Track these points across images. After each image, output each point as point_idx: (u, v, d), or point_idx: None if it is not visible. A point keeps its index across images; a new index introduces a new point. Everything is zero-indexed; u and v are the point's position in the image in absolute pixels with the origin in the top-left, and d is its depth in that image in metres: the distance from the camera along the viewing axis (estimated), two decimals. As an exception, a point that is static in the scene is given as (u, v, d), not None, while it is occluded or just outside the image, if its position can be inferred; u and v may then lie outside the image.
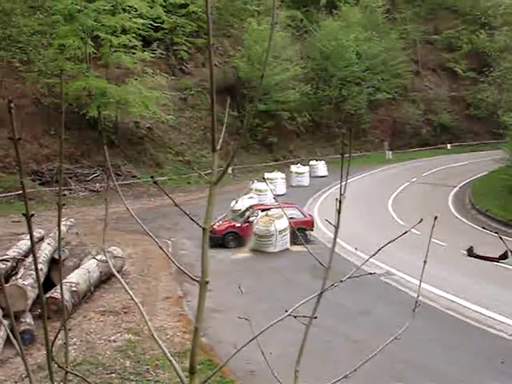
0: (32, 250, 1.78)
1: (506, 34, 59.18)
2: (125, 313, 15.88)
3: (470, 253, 22.15)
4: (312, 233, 25.71)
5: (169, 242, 25.36)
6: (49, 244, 18.32)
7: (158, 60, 46.42)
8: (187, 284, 18.05)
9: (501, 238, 1.88)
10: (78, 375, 2.36)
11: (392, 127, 63.85)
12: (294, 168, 44.06)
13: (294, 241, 23.94)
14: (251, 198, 29.67)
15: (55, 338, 1.88)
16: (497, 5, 63.62)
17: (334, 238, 2.15)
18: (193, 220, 2.12)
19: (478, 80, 62.58)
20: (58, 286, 15.76)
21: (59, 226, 1.89)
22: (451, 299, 17.53)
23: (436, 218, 2.42)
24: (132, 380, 12.08)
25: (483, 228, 25.22)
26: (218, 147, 2.03)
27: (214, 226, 24.92)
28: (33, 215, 1.63)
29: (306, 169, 44.31)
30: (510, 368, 12.58)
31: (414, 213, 28.04)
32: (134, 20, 40.08)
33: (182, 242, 24.46)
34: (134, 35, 40.52)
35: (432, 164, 52.56)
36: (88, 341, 14.13)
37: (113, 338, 14.38)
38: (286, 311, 2.16)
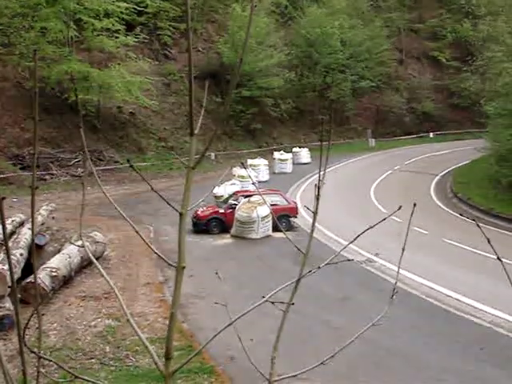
0: (3, 235, 1.75)
1: (489, 24, 59.47)
2: (105, 298, 15.84)
3: None
4: (295, 219, 25.74)
5: (150, 227, 25.28)
6: (29, 229, 18.20)
7: (141, 45, 46.04)
8: (168, 270, 18.01)
9: (478, 225, 1.87)
10: (51, 360, 2.33)
11: (375, 115, 63.98)
12: (277, 155, 44.03)
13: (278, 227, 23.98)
14: (234, 184, 29.64)
15: (27, 322, 1.85)
16: (481, -6, 63.92)
17: (313, 224, 2.13)
18: (170, 205, 2.09)
19: (462, 69, 62.87)
20: (38, 271, 15.67)
21: (32, 209, 1.85)
22: (432, 287, 17.64)
23: (415, 205, 2.41)
24: (112, 365, 12.07)
25: (460, 215, 25.37)
26: (196, 131, 2.00)
27: (198, 212, 24.94)
28: (4, 198, 1.59)
29: (289, 156, 44.30)
30: (488, 355, 12.70)
31: (396, 201, 28.12)
32: (118, 4, 39.69)
33: (164, 228, 24.39)
34: (117, 19, 40.14)
35: (415, 152, 52.73)
36: (68, 326, 14.09)
37: (93, 323, 14.34)
38: (264, 297, 2.15)
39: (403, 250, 2.34)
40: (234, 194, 26.92)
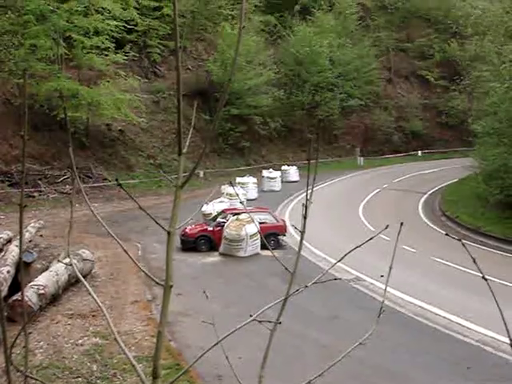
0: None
1: (476, 44, 59.93)
2: (93, 316, 15.73)
3: None
4: (284, 238, 25.73)
5: (139, 245, 25.21)
6: (17, 246, 18.11)
7: (130, 62, 46.14)
8: (156, 288, 17.94)
9: (463, 244, 1.88)
10: (37, 379, 2.32)
11: (364, 133, 64.21)
12: (265, 173, 44.05)
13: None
14: (222, 202, 29.63)
15: (14, 341, 1.84)
16: (467, 15, 64.35)
17: (300, 243, 2.14)
18: (158, 224, 2.10)
19: (450, 88, 63.29)
20: (25, 289, 15.56)
21: (21, 227, 1.85)
22: (420, 305, 17.66)
23: (402, 224, 2.43)
24: (99, 384, 11.98)
25: (446, 234, 25.31)
26: (185, 150, 2.01)
27: (186, 230, 24.90)
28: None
29: (277, 174, 44.32)
30: (475, 374, 12.70)
31: (384, 219, 28.19)
32: (107, 22, 39.76)
33: (153, 245, 24.31)
34: (107, 37, 40.20)
35: (403, 170, 52.93)
36: (55, 344, 13.97)
37: (80, 341, 14.23)
38: (251, 315, 2.15)
39: (390, 268, 2.36)
40: (222, 211, 26.89)
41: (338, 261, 2.40)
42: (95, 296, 2.25)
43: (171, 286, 1.96)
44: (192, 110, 47.36)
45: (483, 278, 1.85)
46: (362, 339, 2.29)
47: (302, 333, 14.99)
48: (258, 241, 23.76)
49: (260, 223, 24.30)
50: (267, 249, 23.43)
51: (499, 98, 32.70)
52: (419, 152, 64.78)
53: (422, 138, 66.20)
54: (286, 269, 2.19)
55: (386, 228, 2.51)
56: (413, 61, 70.41)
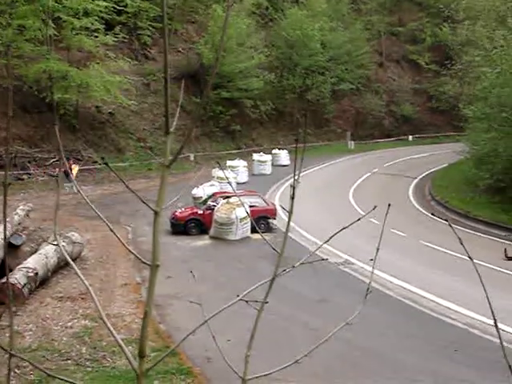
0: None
1: (468, 29, 59.89)
2: (82, 299, 15.74)
3: (508, 255, 21.37)
4: (274, 221, 25.76)
5: (129, 228, 25.20)
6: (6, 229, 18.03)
7: (120, 44, 45.79)
8: (146, 270, 17.91)
9: (450, 225, 1.88)
10: (24, 359, 2.31)
11: (355, 117, 64.21)
12: (256, 156, 44.04)
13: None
14: (212, 185, 29.61)
15: (-2, 320, 1.83)
16: (459, -1, 64.36)
17: (288, 224, 2.14)
18: (144, 203, 2.09)
19: (441, 73, 63.25)
20: (15, 271, 15.54)
21: (5, 207, 1.84)
22: (408, 288, 17.78)
23: (389, 205, 2.43)
24: (88, 366, 12.00)
25: (432, 214, 25.66)
26: (172, 129, 2.00)
27: (177, 213, 24.90)
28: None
29: (268, 157, 44.31)
30: (463, 356, 12.81)
31: (374, 203, 28.07)
32: (97, 3, 39.39)
33: (143, 228, 24.29)
34: (97, 18, 39.88)
35: (393, 155, 53.03)
36: (44, 327, 13.98)
37: (69, 324, 14.25)
38: (238, 296, 2.15)
39: (377, 249, 2.36)
40: (212, 195, 26.89)
41: (325, 242, 2.40)
42: (83, 278, 2.24)
43: (158, 266, 1.96)
44: (184, 93, 47.31)
45: (469, 258, 1.86)
46: (348, 320, 2.30)
47: (291, 315, 15.06)
48: (249, 224, 23.78)
49: (250, 207, 24.30)
50: (258, 232, 23.49)
51: (490, 83, 32.74)
52: (410, 136, 64.88)
53: (413, 123, 66.25)
54: (275, 249, 2.19)
55: (374, 209, 2.51)
56: (404, 45, 70.34)
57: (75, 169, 33.64)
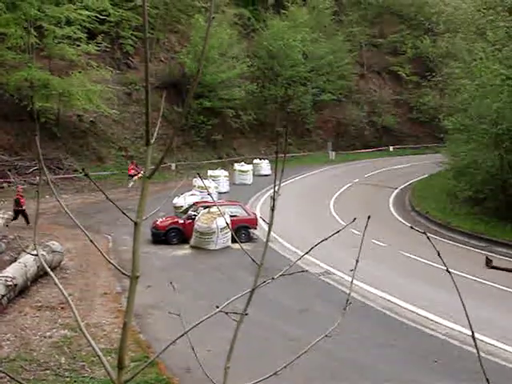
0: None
1: (448, 41, 60.52)
2: (62, 308, 15.63)
3: (489, 264, 21.55)
4: (255, 231, 25.77)
5: (109, 237, 25.08)
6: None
7: (103, 53, 45.66)
8: (126, 280, 17.81)
9: (428, 237, 1.90)
10: (1, 371, 2.30)
11: (336, 128, 64.43)
12: (237, 166, 44.03)
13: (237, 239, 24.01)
14: (193, 194, 29.58)
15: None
16: (440, 12, 64.98)
17: (268, 234, 2.15)
18: (124, 214, 2.09)
19: (421, 84, 63.77)
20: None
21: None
22: (388, 299, 17.83)
23: (369, 217, 2.45)
24: (67, 376, 11.90)
25: (411, 227, 25.68)
26: (153, 141, 2.00)
27: (157, 222, 24.83)
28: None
29: (249, 167, 44.32)
30: (442, 367, 12.86)
31: (355, 214, 28.06)
32: (80, 11, 39.35)
33: (123, 237, 24.17)
34: (79, 27, 39.81)
35: (374, 165, 53.26)
36: (22, 336, 13.86)
37: (48, 333, 14.13)
38: (218, 307, 2.15)
39: (357, 261, 2.38)
40: (193, 204, 26.85)
41: (306, 253, 2.41)
42: (62, 288, 2.23)
43: (137, 277, 1.96)
44: (166, 103, 47.27)
45: (447, 270, 1.87)
46: (328, 331, 2.31)
47: (272, 326, 15.05)
48: (229, 234, 23.76)
49: (231, 216, 24.30)
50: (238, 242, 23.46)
51: (470, 95, 33.05)
52: (391, 147, 65.18)
53: (394, 134, 66.61)
54: (254, 261, 2.20)
55: (354, 221, 2.53)
56: (385, 56, 70.73)
57: (139, 175, 36.56)
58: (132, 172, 38.36)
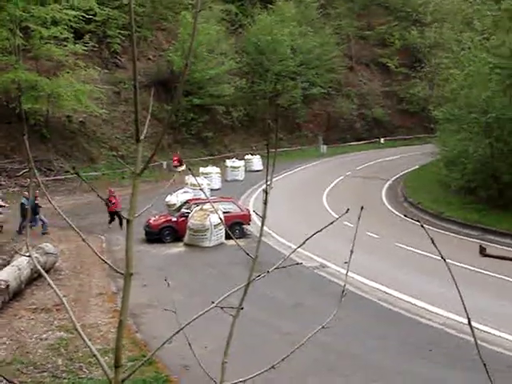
0: None
1: (436, 31, 60.81)
2: (57, 310, 15.60)
3: (483, 252, 21.57)
4: (248, 227, 25.77)
5: (103, 237, 25.02)
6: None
7: (90, 53, 45.46)
8: (121, 279, 17.78)
9: (422, 226, 1.90)
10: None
11: (326, 121, 64.41)
12: (229, 162, 44.00)
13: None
14: (186, 192, 29.53)
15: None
16: (427, 2, 65.25)
17: (261, 228, 2.14)
18: (116, 213, 2.08)
19: (410, 75, 63.91)
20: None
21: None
22: (384, 290, 17.88)
23: (362, 208, 2.44)
24: (64, 378, 11.88)
25: (404, 215, 25.94)
26: (142, 137, 1.99)
27: (150, 221, 24.80)
28: None
29: (241, 163, 44.30)
30: (437, 356, 12.90)
31: (348, 206, 28.20)
32: (66, 11, 39.16)
33: (117, 237, 24.14)
34: (66, 27, 39.62)
35: (366, 158, 53.32)
36: (18, 340, 13.83)
37: (44, 335, 14.11)
38: (213, 302, 2.14)
39: (351, 252, 2.37)
40: (186, 202, 26.82)
41: (299, 246, 2.41)
42: (56, 289, 2.22)
43: (131, 274, 1.95)
44: (154, 101, 47.15)
45: (442, 258, 1.87)
46: (324, 323, 2.31)
47: (267, 321, 15.07)
48: (223, 230, 23.77)
49: (224, 213, 24.29)
50: (232, 238, 23.47)
51: (459, 85, 33.13)
52: (381, 139, 65.21)
53: (384, 126, 66.65)
54: (248, 255, 2.19)
55: (347, 212, 2.52)
56: (373, 48, 70.74)
57: (182, 167, 37.81)
58: (176, 163, 39.75)
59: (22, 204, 25.43)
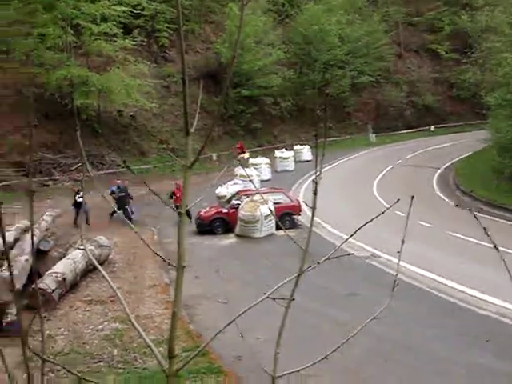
0: (3, 241, 1.75)
1: (487, 15, 59.45)
2: (111, 301, 15.85)
3: None
4: (299, 217, 25.73)
5: (154, 230, 25.32)
6: (34, 235, 18.22)
7: (139, 48, 45.95)
8: (174, 271, 17.97)
9: (474, 215, 1.88)
10: (55, 363, 2.34)
11: (375, 110, 63.79)
12: (278, 153, 43.98)
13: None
14: (236, 183, 29.64)
15: (29, 325, 1.86)
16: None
17: (312, 219, 2.14)
18: (167, 204, 2.10)
19: (461, 61, 62.66)
20: (44, 277, 15.70)
21: (31, 212, 1.86)
22: (437, 280, 17.66)
23: (413, 197, 2.42)
24: (120, 368, 12.09)
25: (456, 205, 25.54)
26: (192, 130, 2.01)
27: (201, 213, 24.99)
28: (1, 203, 1.60)
29: (290, 153, 44.24)
30: (495, 346, 12.70)
31: (399, 196, 27.87)
32: (114, 7, 39.69)
33: (168, 229, 24.39)
34: (115, 23, 40.12)
35: (416, 146, 52.62)
36: (75, 330, 14.12)
37: (100, 326, 14.37)
38: (265, 293, 2.16)
39: (403, 242, 2.36)
40: (236, 193, 26.94)
41: (350, 236, 2.41)
42: (110, 281, 2.27)
43: (184, 267, 1.97)
44: (203, 94, 47.38)
45: (495, 247, 1.85)
46: (377, 313, 2.30)
47: (320, 311, 15.05)
48: (273, 221, 23.79)
49: (274, 204, 24.31)
50: (282, 229, 23.51)
51: (511, 69, 32.40)
52: (432, 127, 64.24)
53: (435, 113, 65.60)
54: (299, 245, 2.20)
55: (397, 202, 2.51)
56: (423, 34, 69.61)
57: (246, 155, 39.46)
58: (239, 151, 40.70)
59: (113, 192, 26.42)
